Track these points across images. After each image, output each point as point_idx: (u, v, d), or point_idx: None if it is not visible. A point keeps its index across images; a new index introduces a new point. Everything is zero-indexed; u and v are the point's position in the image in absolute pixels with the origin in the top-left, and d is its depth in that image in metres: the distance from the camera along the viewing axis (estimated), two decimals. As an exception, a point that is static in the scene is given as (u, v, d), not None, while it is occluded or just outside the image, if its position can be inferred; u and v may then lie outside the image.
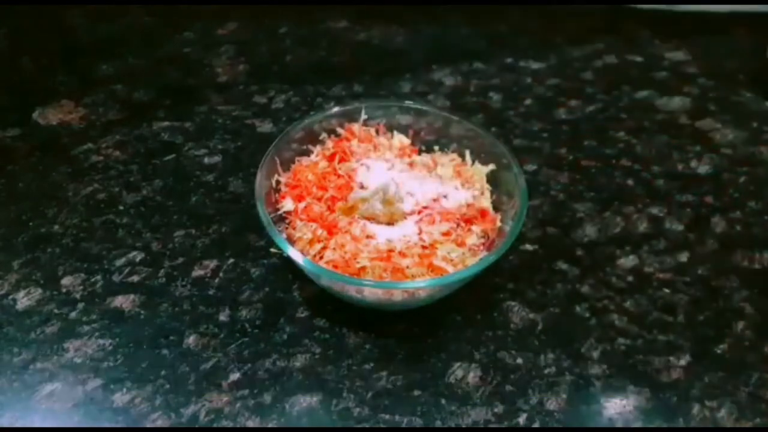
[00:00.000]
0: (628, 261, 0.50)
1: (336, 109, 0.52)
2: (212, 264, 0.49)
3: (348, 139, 0.51)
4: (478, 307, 0.46)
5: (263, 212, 0.43)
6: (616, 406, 0.41)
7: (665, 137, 0.61)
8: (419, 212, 0.46)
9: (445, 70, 0.69)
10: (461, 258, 0.44)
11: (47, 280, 0.48)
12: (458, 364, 0.43)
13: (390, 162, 0.50)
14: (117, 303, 0.46)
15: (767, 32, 0.73)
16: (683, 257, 0.50)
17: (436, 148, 0.53)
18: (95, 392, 0.41)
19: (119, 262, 0.49)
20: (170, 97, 0.64)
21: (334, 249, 0.44)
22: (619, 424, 0.41)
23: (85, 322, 0.45)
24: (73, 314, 0.46)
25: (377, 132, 0.53)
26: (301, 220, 0.46)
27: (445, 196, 0.47)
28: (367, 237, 0.45)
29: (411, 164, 0.50)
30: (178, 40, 0.71)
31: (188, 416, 0.40)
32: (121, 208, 0.53)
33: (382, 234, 0.45)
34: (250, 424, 0.40)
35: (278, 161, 0.48)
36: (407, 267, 0.43)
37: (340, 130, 0.52)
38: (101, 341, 0.44)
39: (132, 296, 0.47)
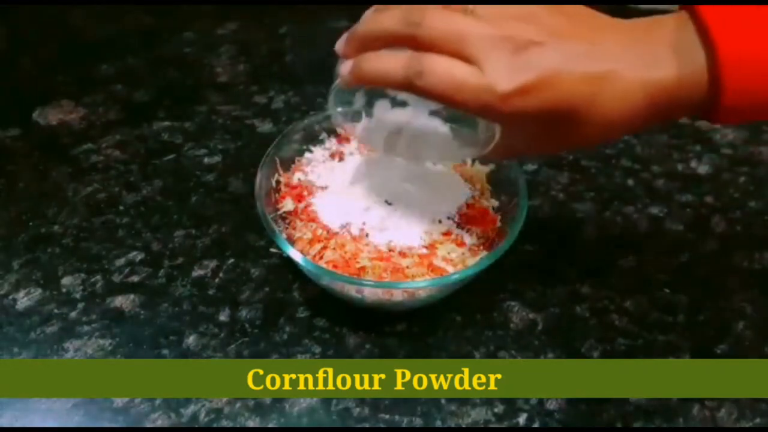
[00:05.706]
0: (628, 261, 0.50)
1: (336, 109, 0.52)
2: (212, 264, 0.49)
3: (348, 139, 0.51)
4: (478, 307, 0.46)
5: (263, 212, 0.43)
6: (616, 406, 0.41)
7: (665, 137, 0.61)
8: (419, 212, 0.46)
9: (445, 70, 0.68)
10: (461, 258, 0.44)
11: (47, 280, 0.48)
12: (458, 364, 0.43)
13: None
14: (117, 303, 0.46)
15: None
16: (683, 257, 0.50)
17: (436, 148, 0.53)
18: (95, 392, 0.41)
19: (119, 262, 0.49)
20: (170, 97, 0.64)
21: (334, 249, 0.43)
22: (619, 424, 0.41)
23: (85, 322, 0.45)
24: (73, 314, 0.46)
25: (377, 132, 0.52)
26: (301, 220, 0.46)
27: (445, 196, 0.47)
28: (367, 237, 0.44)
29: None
30: (178, 40, 0.71)
31: (188, 416, 0.40)
32: (121, 208, 0.53)
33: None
34: (250, 424, 0.40)
35: (278, 161, 0.48)
36: (407, 267, 0.43)
37: (340, 130, 0.52)
38: (101, 341, 0.44)
39: (132, 296, 0.47)
